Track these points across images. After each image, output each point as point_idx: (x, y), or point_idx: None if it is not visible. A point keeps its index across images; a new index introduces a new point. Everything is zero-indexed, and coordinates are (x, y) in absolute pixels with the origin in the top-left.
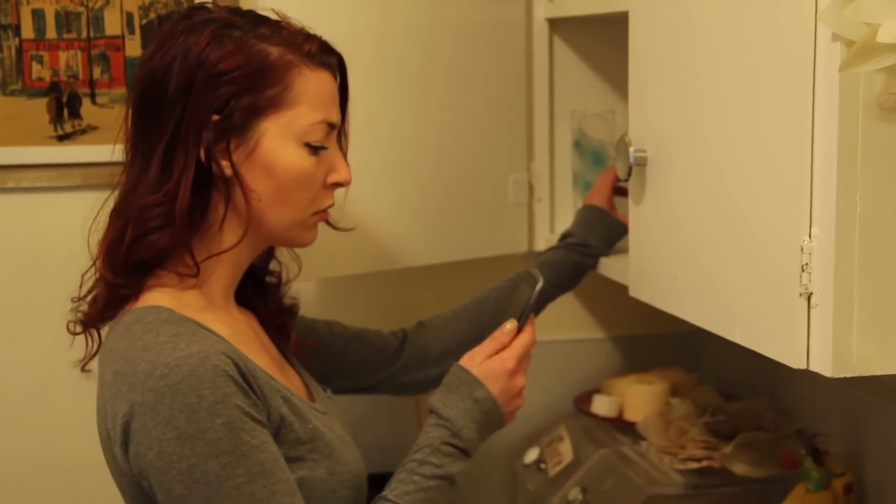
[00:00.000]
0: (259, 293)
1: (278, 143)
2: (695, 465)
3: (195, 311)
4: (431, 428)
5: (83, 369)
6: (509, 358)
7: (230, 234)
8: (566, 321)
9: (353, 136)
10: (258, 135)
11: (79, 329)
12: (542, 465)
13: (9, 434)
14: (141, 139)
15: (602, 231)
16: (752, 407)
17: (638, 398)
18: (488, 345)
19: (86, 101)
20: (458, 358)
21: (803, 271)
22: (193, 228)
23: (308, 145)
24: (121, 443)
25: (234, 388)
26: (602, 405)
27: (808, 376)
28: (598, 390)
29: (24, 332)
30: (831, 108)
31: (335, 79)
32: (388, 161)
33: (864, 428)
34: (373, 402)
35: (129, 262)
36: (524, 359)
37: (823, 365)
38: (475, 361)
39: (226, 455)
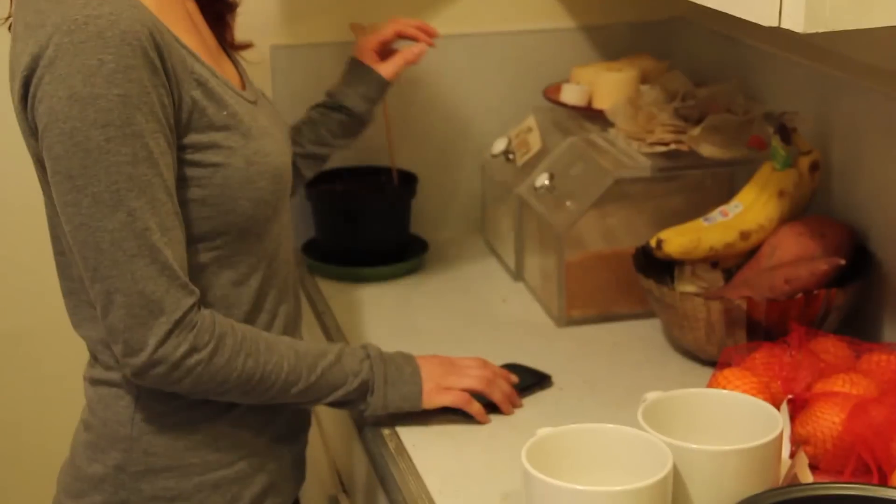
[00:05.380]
0: None
1: None
2: (662, 148)
3: None
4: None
5: (10, 29)
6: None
7: None
8: (533, 10)
9: None
10: None
11: None
12: (511, 156)
13: None
14: None
15: (362, 88)
16: (722, 91)
17: (607, 86)
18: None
19: None
20: None
21: None
22: None
23: None
24: (20, 97)
25: (140, 61)
26: (571, 94)
27: (778, 59)
28: (567, 80)
29: None
30: None
31: None
32: None
33: (833, 106)
34: None
35: None
36: (466, 370)
37: (795, 20)
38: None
39: (113, 128)
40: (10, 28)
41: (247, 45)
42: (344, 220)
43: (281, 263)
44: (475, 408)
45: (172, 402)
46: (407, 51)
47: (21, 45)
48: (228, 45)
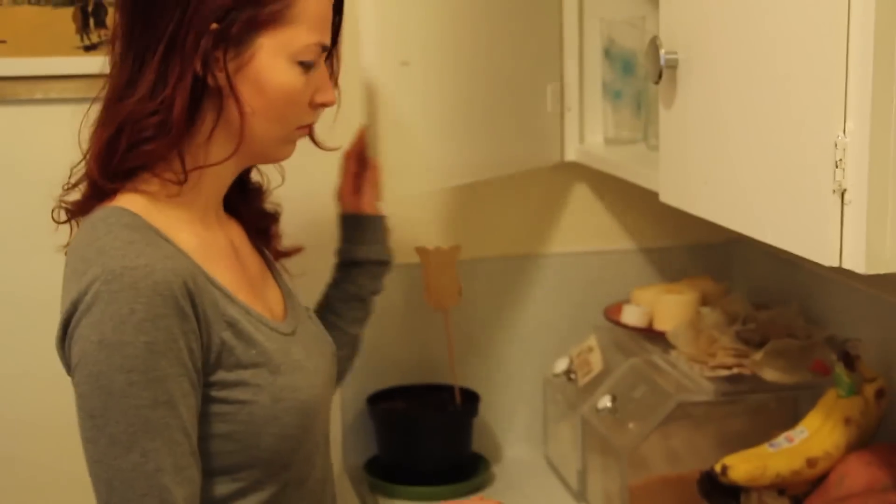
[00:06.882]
0: (242, 198)
1: (272, 59)
2: (725, 372)
3: (166, 220)
4: None
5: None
6: None
7: (217, 147)
8: (596, 232)
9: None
10: (254, 49)
11: (63, 218)
12: (572, 376)
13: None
14: (135, 41)
15: (366, 235)
16: (782, 314)
17: (668, 308)
18: None
19: (111, 11)
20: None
21: (837, 167)
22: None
23: (301, 63)
24: (59, 337)
25: (171, 310)
26: (632, 315)
27: (838, 284)
28: (627, 301)
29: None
30: None
31: None
32: (424, 79)
33: None
34: (401, 316)
35: (122, 169)
36: None
37: (856, 262)
38: None
39: (137, 373)
40: (66, 253)
41: (295, 251)
42: (405, 439)
43: (314, 483)
44: None
45: None
46: (370, 181)
47: (67, 289)
48: (274, 255)
